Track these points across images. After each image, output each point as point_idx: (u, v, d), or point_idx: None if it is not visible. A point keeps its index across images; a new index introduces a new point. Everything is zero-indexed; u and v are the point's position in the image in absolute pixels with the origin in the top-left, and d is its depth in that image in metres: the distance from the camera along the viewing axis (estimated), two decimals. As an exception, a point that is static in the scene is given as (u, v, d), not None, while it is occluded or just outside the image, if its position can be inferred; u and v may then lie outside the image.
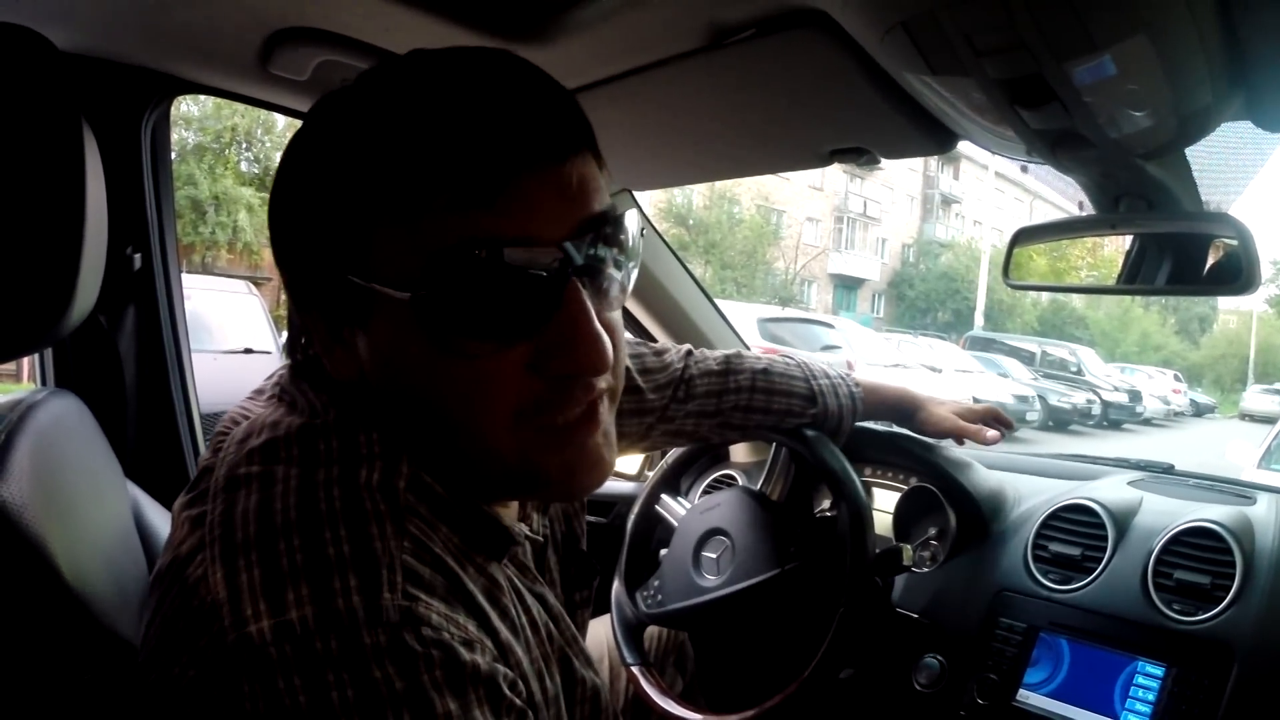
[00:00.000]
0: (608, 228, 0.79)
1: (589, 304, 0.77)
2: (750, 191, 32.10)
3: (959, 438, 1.79)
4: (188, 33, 1.54)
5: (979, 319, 31.63)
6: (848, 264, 39.15)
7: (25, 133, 0.89)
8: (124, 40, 1.59)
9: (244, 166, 19.30)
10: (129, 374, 1.77)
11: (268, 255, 19.63)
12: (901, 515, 1.81)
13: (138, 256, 1.75)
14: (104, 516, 1.17)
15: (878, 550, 1.54)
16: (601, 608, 1.69)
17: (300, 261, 0.82)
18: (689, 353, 1.64)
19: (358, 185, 0.75)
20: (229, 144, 18.74)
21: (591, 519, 2.08)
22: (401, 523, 0.73)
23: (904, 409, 1.80)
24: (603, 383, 0.82)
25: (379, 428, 0.79)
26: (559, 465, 0.81)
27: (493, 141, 0.74)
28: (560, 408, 0.79)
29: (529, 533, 0.94)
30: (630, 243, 0.83)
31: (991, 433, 1.71)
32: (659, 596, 1.69)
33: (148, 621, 0.77)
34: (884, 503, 1.88)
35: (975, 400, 15.85)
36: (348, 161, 0.76)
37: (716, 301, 2.33)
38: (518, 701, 0.72)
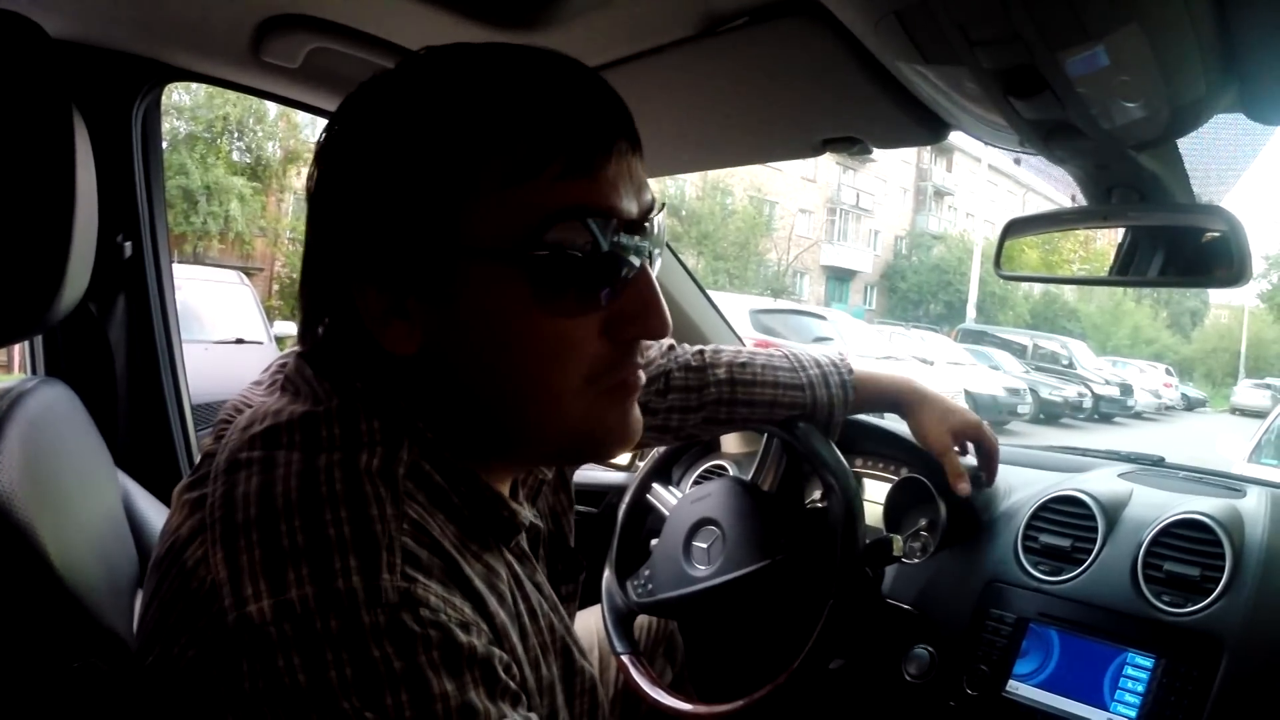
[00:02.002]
0: (659, 216, 0.88)
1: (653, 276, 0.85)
2: (743, 182, 32.06)
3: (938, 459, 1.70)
4: (179, 20, 1.54)
5: (971, 311, 31.68)
6: (840, 256, 39.15)
7: (15, 119, 0.89)
8: (115, 27, 1.59)
9: (236, 156, 19.21)
10: (119, 363, 1.77)
11: (259, 245, 19.66)
12: (892, 506, 1.81)
13: (128, 245, 1.74)
14: (94, 505, 1.16)
15: (868, 541, 1.54)
16: (591, 598, 1.69)
17: (365, 233, 0.82)
18: (670, 347, 1.63)
19: (455, 153, 0.78)
20: (221, 133, 18.65)
21: (582, 509, 2.08)
22: (401, 506, 0.74)
23: (900, 405, 1.73)
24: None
25: (382, 414, 0.80)
26: (610, 425, 0.88)
27: (595, 120, 0.81)
28: (628, 368, 0.87)
29: (533, 519, 0.94)
30: (661, 239, 0.91)
31: (964, 485, 1.65)
32: (649, 586, 1.69)
33: (145, 604, 0.78)
34: (875, 493, 1.88)
35: (968, 393, 15.84)
36: (443, 131, 0.79)
37: (709, 293, 2.33)
38: (512, 685, 0.73)
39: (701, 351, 1.65)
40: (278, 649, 0.64)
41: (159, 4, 1.49)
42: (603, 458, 1.00)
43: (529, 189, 0.77)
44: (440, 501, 0.80)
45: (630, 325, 0.83)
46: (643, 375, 0.90)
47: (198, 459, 0.84)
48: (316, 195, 0.85)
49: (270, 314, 11.27)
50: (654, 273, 0.87)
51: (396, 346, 0.82)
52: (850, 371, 1.69)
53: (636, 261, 0.83)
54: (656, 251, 0.89)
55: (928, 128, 1.40)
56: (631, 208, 0.82)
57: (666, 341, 1.64)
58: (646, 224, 0.84)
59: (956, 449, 1.68)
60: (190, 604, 0.70)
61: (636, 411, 0.91)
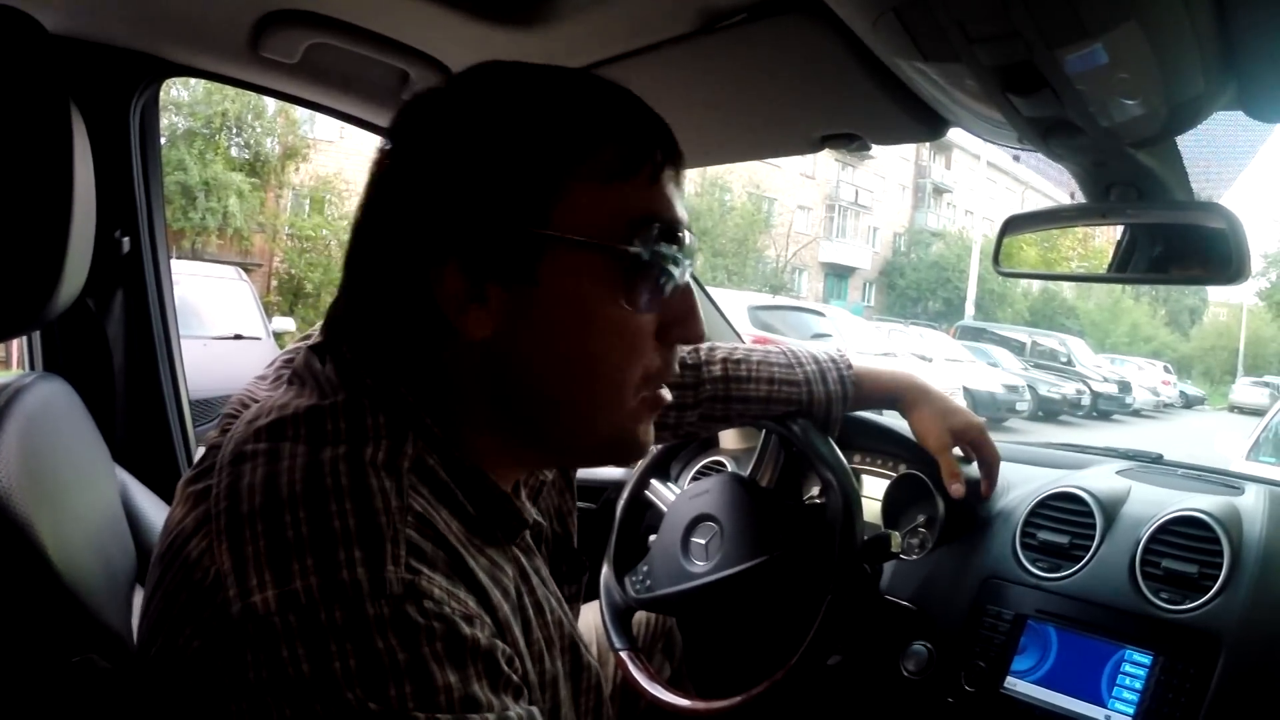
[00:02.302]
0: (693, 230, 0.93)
1: None
2: (742, 179, 32.08)
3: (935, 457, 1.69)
4: (178, 15, 1.54)
5: (970, 308, 31.67)
6: (839, 252, 39.14)
7: (13, 115, 0.89)
8: (113, 22, 1.58)
9: (234, 152, 19.18)
10: (117, 358, 1.77)
11: (258, 241, 19.65)
12: (890, 502, 1.81)
13: (126, 240, 1.74)
14: (92, 501, 1.16)
15: (866, 537, 1.54)
16: (590, 594, 1.69)
17: (449, 215, 0.82)
18: None
19: (559, 143, 0.83)
20: (219, 129, 18.62)
21: (581, 505, 2.07)
22: (405, 499, 0.74)
23: (901, 402, 1.71)
24: None
25: (388, 409, 0.81)
26: (639, 434, 0.92)
27: (664, 130, 0.88)
28: (668, 374, 0.92)
29: (537, 518, 0.95)
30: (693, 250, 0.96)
31: (957, 487, 1.64)
32: (648, 582, 1.69)
33: (148, 596, 0.78)
34: (873, 490, 1.88)
35: (966, 390, 15.84)
36: (550, 120, 0.84)
37: (708, 289, 2.33)
38: (514, 678, 0.74)
39: (697, 349, 1.65)
40: (282, 640, 0.65)
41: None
42: (621, 462, 1.02)
43: (624, 187, 0.83)
44: (445, 496, 0.80)
45: (677, 328, 0.89)
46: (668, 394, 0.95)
47: (196, 454, 0.84)
48: (391, 176, 0.87)
49: (269, 310, 11.26)
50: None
51: (473, 330, 0.83)
52: (850, 368, 1.68)
53: (688, 267, 0.89)
54: (689, 262, 0.91)
55: (927, 124, 1.40)
56: (685, 217, 0.89)
57: None
58: (689, 234, 0.89)
59: (956, 450, 1.68)
60: (194, 595, 0.70)
61: (652, 427, 0.95)
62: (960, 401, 1.77)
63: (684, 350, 1.62)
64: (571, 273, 0.82)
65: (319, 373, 0.85)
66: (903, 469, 1.83)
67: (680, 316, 0.89)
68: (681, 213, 0.88)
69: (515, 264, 0.82)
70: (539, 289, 0.82)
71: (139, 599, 0.97)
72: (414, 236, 0.83)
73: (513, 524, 0.87)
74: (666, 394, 0.93)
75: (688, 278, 0.89)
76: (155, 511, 1.37)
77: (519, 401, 0.86)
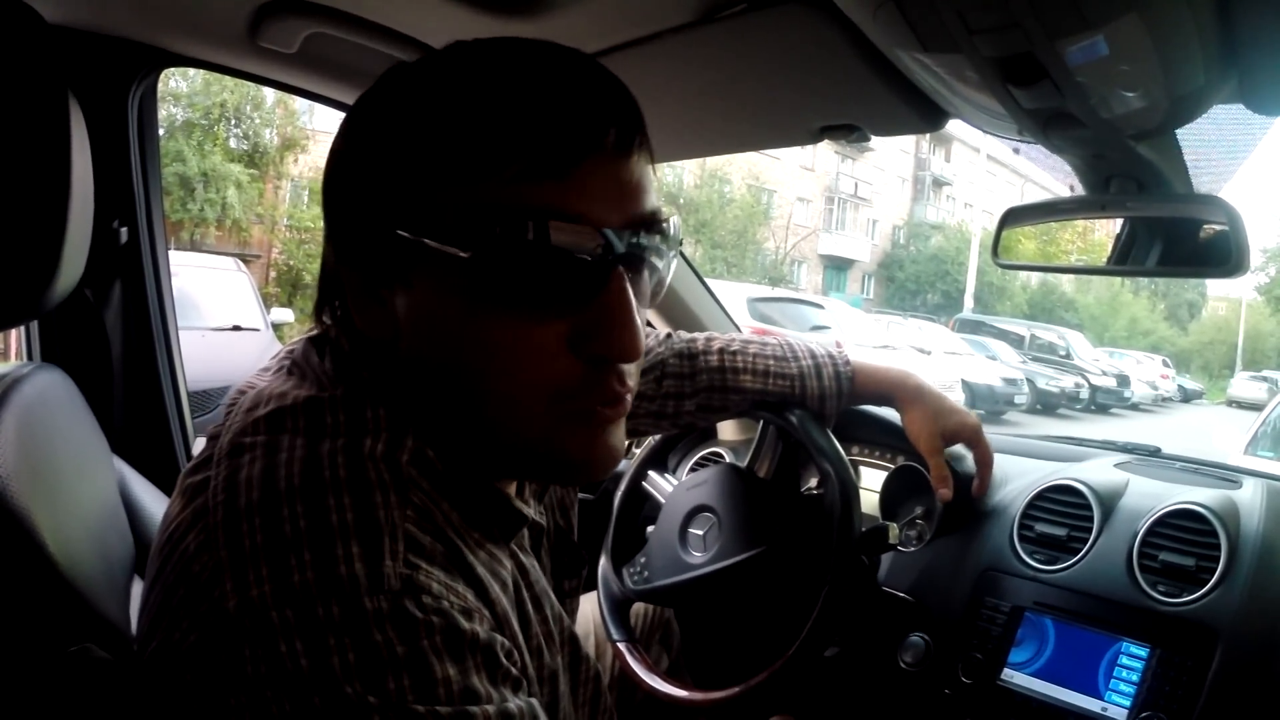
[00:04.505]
0: (658, 228, 0.83)
1: (630, 292, 0.79)
2: (741, 171, 32.06)
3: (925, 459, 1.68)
4: (176, 4, 1.54)
5: (969, 301, 31.64)
6: (838, 245, 39.13)
7: (11, 105, 0.89)
8: (111, 12, 1.58)
9: (233, 143, 19.14)
10: (116, 349, 1.77)
11: (256, 232, 19.64)
12: (888, 494, 1.82)
13: (124, 231, 1.74)
14: (90, 491, 1.16)
15: (864, 529, 1.54)
16: (588, 585, 1.69)
17: (349, 215, 0.83)
18: (668, 335, 1.64)
19: (429, 145, 0.78)
20: (218, 120, 18.58)
21: (579, 496, 2.07)
22: (405, 493, 0.74)
23: (895, 401, 1.70)
24: (633, 380, 0.85)
25: (387, 402, 0.80)
26: (580, 451, 0.83)
27: (572, 121, 0.77)
28: (598, 395, 0.82)
29: (533, 516, 0.94)
30: (670, 250, 0.87)
31: (944, 492, 1.63)
32: (645, 573, 1.69)
33: (146, 589, 0.78)
34: (871, 481, 1.88)
35: (964, 383, 15.84)
36: (422, 123, 0.79)
37: (707, 281, 2.33)
38: (513, 670, 0.74)
39: (695, 339, 1.65)
40: (279, 634, 0.65)
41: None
42: (567, 482, 1.00)
43: (487, 188, 0.76)
44: (444, 488, 0.79)
45: (592, 340, 0.79)
46: (626, 403, 0.86)
47: (195, 445, 0.84)
48: (325, 171, 0.87)
49: (267, 301, 11.26)
50: (651, 291, 0.87)
51: (371, 330, 0.83)
52: (847, 364, 1.68)
53: (604, 271, 0.78)
54: (661, 262, 0.86)
55: (926, 116, 1.40)
56: (610, 217, 0.78)
57: (664, 330, 1.65)
58: (638, 231, 0.81)
59: (955, 449, 1.69)
60: (192, 589, 0.70)
61: (613, 439, 0.86)
62: (958, 395, 1.78)
63: (684, 339, 1.63)
64: (437, 277, 0.79)
65: (317, 365, 0.85)
66: (901, 461, 1.84)
67: (594, 328, 0.78)
68: (593, 205, 0.77)
69: (395, 268, 0.80)
70: (414, 293, 0.81)
71: (137, 589, 0.97)
72: (332, 231, 0.85)
73: (510, 522, 0.87)
74: (619, 408, 0.85)
75: (614, 280, 0.79)
76: (153, 502, 1.37)
77: (441, 407, 0.83)
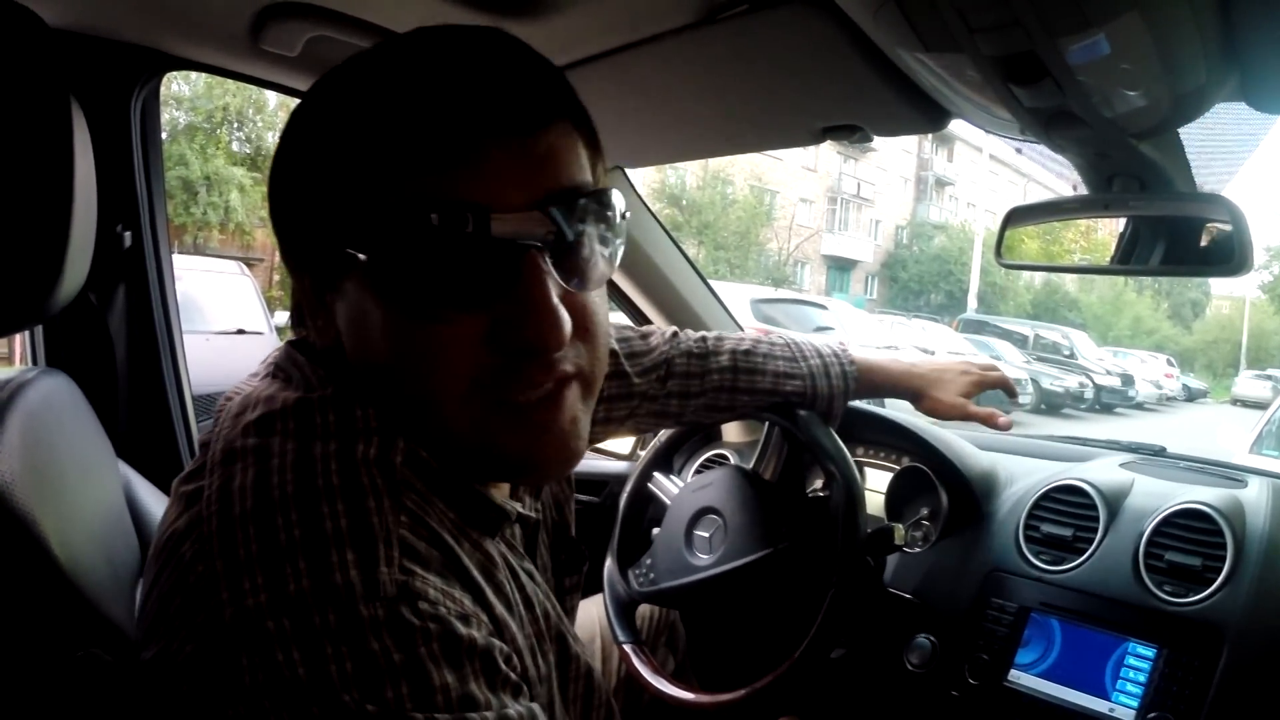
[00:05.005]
0: (581, 202, 0.79)
1: (548, 279, 0.76)
2: (744, 172, 32.03)
3: (971, 421, 1.71)
4: (178, 7, 1.54)
5: (972, 301, 31.63)
6: (841, 245, 39.09)
7: (14, 109, 0.89)
8: (114, 15, 1.58)
9: (235, 146, 19.17)
10: (120, 353, 1.77)
11: (260, 236, 19.64)
12: (894, 495, 1.82)
13: (128, 234, 1.74)
14: (95, 496, 1.16)
15: (870, 530, 1.54)
16: (593, 588, 1.69)
17: (291, 226, 0.84)
18: (674, 334, 1.63)
19: (339, 151, 0.78)
20: (220, 124, 18.61)
21: (584, 498, 2.07)
22: (399, 497, 0.74)
23: (907, 392, 1.72)
24: (568, 365, 0.81)
25: (375, 404, 0.79)
26: (517, 446, 0.81)
27: (459, 109, 0.75)
28: (519, 386, 0.79)
29: (522, 510, 0.93)
30: (612, 221, 0.83)
31: (1004, 418, 1.65)
32: (651, 575, 1.69)
33: (143, 597, 0.77)
34: (876, 482, 1.88)
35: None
36: (333, 128, 0.79)
37: (710, 282, 2.33)
38: (513, 676, 0.73)
39: (704, 338, 1.65)
40: (276, 643, 0.64)
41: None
42: (517, 480, 0.95)
43: (388, 184, 0.75)
44: (438, 487, 0.79)
45: (509, 332, 0.76)
46: (574, 395, 0.83)
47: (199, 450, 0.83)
48: (269, 184, 0.88)
49: (271, 304, 11.24)
50: (596, 268, 0.82)
51: (318, 338, 0.84)
52: (852, 362, 1.69)
53: (515, 257, 0.75)
54: (598, 237, 0.82)
55: (928, 115, 1.40)
56: (517, 199, 0.75)
57: (670, 329, 1.64)
58: (559, 212, 0.77)
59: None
60: (188, 598, 0.69)
61: (557, 436, 0.82)
62: (953, 361, 1.78)
63: (691, 338, 1.62)
64: (357, 282, 0.78)
65: (303, 364, 0.84)
66: (906, 462, 1.84)
67: (509, 319, 0.75)
68: (499, 191, 0.74)
69: (330, 274, 0.81)
70: (345, 298, 0.81)
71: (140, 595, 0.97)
72: (281, 242, 0.86)
73: (490, 517, 0.86)
74: (548, 398, 0.80)
75: (528, 267, 0.75)
76: (158, 506, 1.37)
77: (394, 412, 0.81)
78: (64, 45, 1.58)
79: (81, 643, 0.91)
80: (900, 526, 1.58)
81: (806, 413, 1.62)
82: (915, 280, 39.52)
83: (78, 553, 0.95)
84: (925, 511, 1.76)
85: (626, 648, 1.67)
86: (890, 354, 2.16)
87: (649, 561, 1.72)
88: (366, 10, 1.46)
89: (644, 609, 1.79)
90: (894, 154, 41.45)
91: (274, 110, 19.26)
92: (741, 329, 2.33)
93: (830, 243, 38.65)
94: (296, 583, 0.66)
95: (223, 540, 0.70)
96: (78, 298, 1.03)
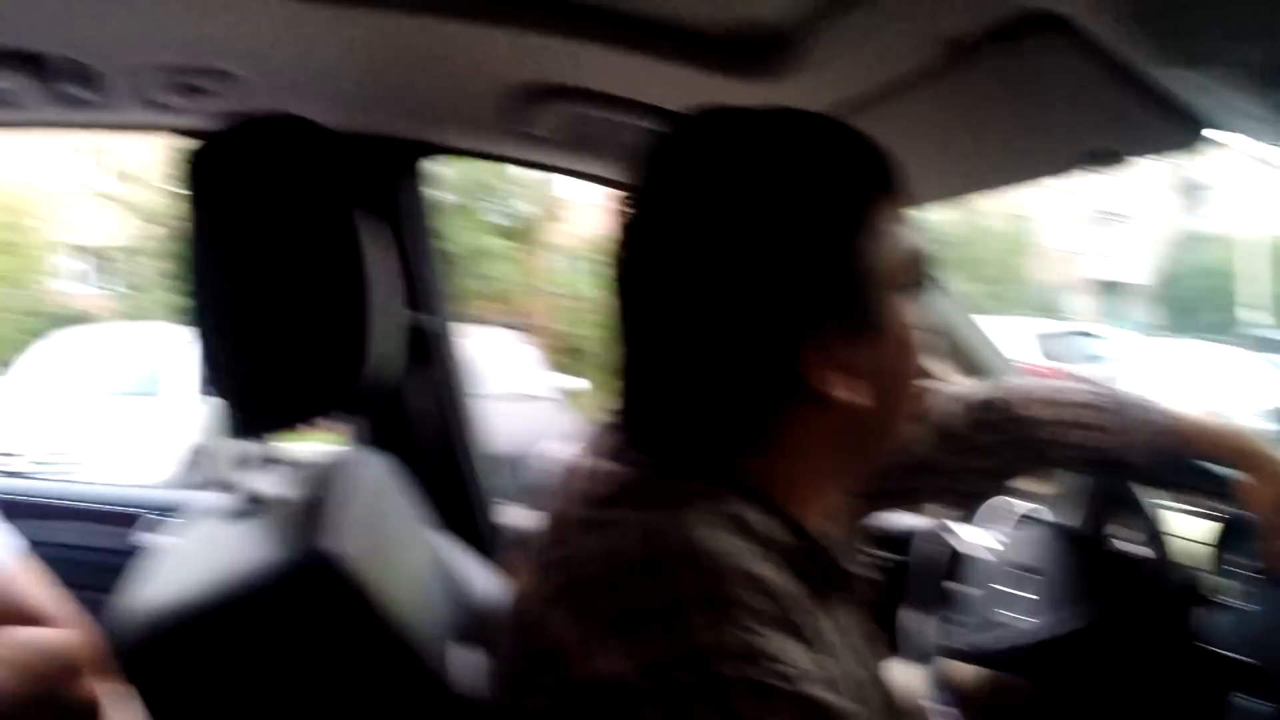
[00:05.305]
0: None
1: None
2: (997, 201, 31.00)
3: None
4: (432, 100, 1.67)
5: (1260, 316, 29.33)
6: (1103, 268, 37.20)
7: (307, 212, 0.98)
8: (377, 113, 1.72)
9: (496, 219, 19.94)
10: (424, 428, 1.90)
11: (528, 302, 20.24)
12: (1216, 544, 1.69)
13: (421, 316, 1.87)
14: (415, 563, 1.25)
15: (1187, 583, 1.47)
16: (898, 647, 1.66)
17: (766, 295, 0.83)
18: (964, 403, 1.46)
19: (853, 189, 0.87)
20: (480, 199, 19.42)
21: (888, 555, 2.00)
22: (740, 561, 0.75)
23: (1233, 462, 1.42)
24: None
25: (704, 475, 0.83)
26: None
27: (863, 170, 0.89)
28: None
29: (852, 569, 0.95)
30: None
31: None
32: (966, 634, 1.63)
33: (497, 658, 0.86)
34: (1192, 531, 1.75)
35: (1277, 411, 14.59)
36: (836, 168, 0.87)
37: (974, 318, 2.26)
38: None
39: (994, 392, 1.49)
40: (632, 705, 0.67)
41: (415, 85, 1.61)
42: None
43: (897, 222, 0.87)
44: (771, 548, 0.80)
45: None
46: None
47: (501, 513, 0.90)
48: (647, 269, 0.88)
49: (550, 369, 11.61)
50: None
51: (850, 396, 0.84)
52: (1168, 417, 1.44)
53: None
54: None
55: (1187, 132, 1.33)
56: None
57: (956, 384, 1.55)
58: None
59: None
60: (537, 659, 0.75)
61: None
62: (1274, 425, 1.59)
63: (974, 396, 1.51)
64: (898, 308, 0.88)
65: (625, 448, 0.89)
66: (1224, 508, 1.68)
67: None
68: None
69: (861, 317, 0.85)
70: (884, 331, 0.87)
71: (486, 657, 1.03)
72: (779, 314, 0.84)
73: (831, 575, 0.88)
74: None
75: None
76: (467, 569, 1.44)
77: (848, 445, 0.90)
78: (342, 147, 1.72)
79: (405, 698, 0.98)
80: (1222, 580, 1.47)
81: (1114, 462, 1.48)
82: (1186, 298, 37.04)
83: (409, 620, 1.02)
84: (1250, 562, 1.60)
85: (936, 708, 1.63)
86: (1212, 413, 1.86)
87: (963, 620, 1.66)
88: (618, 86, 1.53)
89: (961, 670, 1.73)
90: (1152, 165, 39.24)
91: (533, 182, 19.98)
92: (1012, 368, 2.23)
93: (1092, 265, 36.84)
94: (648, 646, 0.69)
95: (573, 605, 0.75)
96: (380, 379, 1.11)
